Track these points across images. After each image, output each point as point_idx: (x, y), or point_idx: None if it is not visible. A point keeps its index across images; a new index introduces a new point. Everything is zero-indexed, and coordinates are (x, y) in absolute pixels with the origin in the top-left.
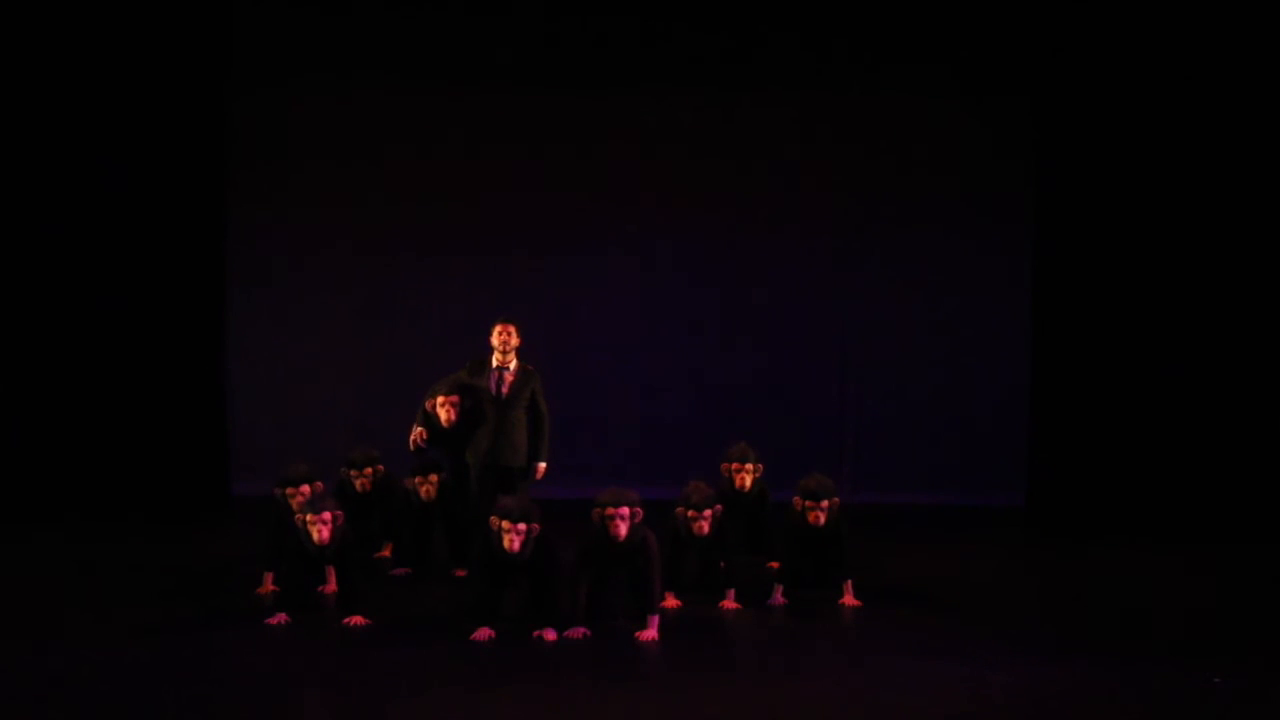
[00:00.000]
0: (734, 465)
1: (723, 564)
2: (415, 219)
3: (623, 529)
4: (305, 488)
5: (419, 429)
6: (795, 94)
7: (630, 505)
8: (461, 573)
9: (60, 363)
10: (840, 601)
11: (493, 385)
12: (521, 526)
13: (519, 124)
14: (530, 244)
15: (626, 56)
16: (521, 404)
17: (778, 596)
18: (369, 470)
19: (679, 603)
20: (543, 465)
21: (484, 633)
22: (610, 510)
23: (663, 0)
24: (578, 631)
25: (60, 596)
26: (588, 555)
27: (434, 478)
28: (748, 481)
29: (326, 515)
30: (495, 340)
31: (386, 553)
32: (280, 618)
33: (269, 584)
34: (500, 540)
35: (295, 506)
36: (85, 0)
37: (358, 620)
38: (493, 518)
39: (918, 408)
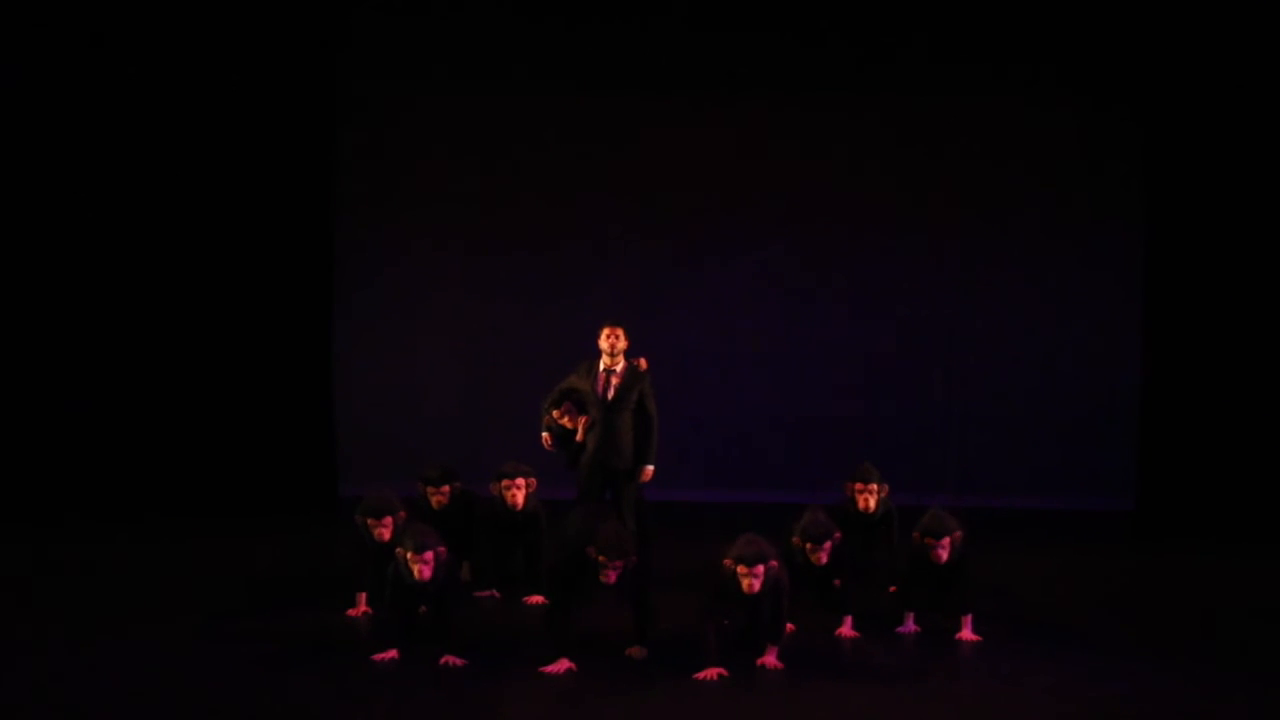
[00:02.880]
0: (857, 486)
1: (838, 582)
2: (526, 220)
3: (757, 585)
4: (389, 519)
5: (545, 435)
6: (907, 98)
7: (765, 562)
8: (536, 599)
9: (172, 361)
10: (958, 636)
11: (600, 387)
12: (619, 563)
13: (625, 126)
14: (636, 247)
15: (728, 62)
16: (628, 406)
17: (909, 624)
18: (445, 487)
19: (793, 626)
20: (650, 468)
21: (563, 664)
22: (744, 569)
23: (772, 8)
24: (712, 672)
25: (160, 595)
26: (719, 602)
27: (520, 482)
28: (871, 503)
29: (429, 555)
30: (603, 343)
31: (465, 575)
32: (391, 654)
33: (361, 604)
34: (597, 573)
35: (377, 537)
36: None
37: (454, 661)
38: (590, 549)
39: (1024, 410)
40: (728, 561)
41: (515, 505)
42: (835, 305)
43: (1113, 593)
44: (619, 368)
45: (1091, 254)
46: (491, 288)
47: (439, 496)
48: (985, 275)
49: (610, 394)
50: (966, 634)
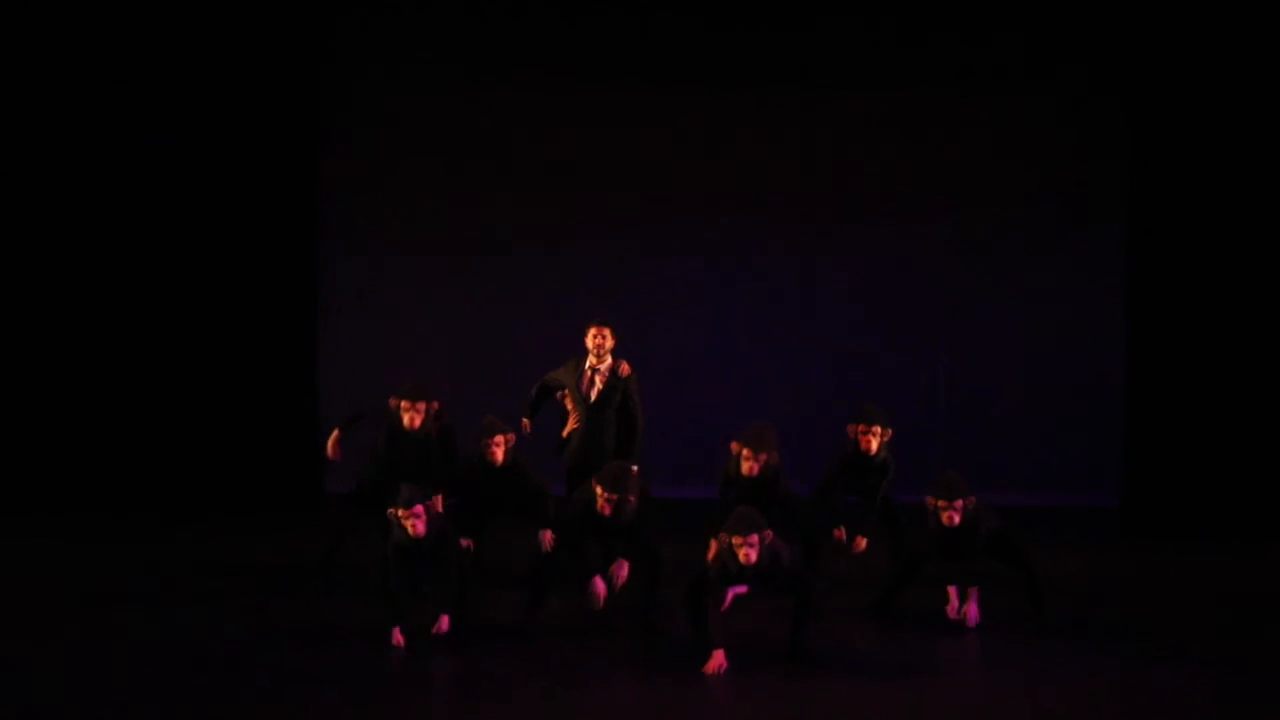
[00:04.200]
0: (860, 428)
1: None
2: (515, 217)
3: (753, 556)
4: (423, 405)
5: (526, 420)
6: (890, 91)
7: (760, 531)
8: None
9: (155, 358)
10: (964, 609)
11: (584, 386)
12: (617, 496)
13: (617, 123)
14: (629, 245)
15: (719, 59)
16: (611, 406)
17: (956, 603)
18: (422, 405)
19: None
20: (634, 468)
21: (600, 586)
22: (738, 539)
23: (760, 4)
24: (719, 658)
25: (144, 591)
26: (718, 578)
27: (499, 439)
28: (874, 445)
29: (418, 509)
30: (590, 343)
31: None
32: (398, 640)
33: (333, 441)
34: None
35: (408, 423)
36: None
37: (443, 627)
38: (593, 481)
39: (1009, 406)
40: (723, 534)
41: (494, 461)
42: (824, 304)
43: (1097, 589)
44: (604, 367)
45: (1075, 250)
46: (479, 286)
47: (413, 414)
48: (970, 272)
49: (594, 393)
50: (972, 608)
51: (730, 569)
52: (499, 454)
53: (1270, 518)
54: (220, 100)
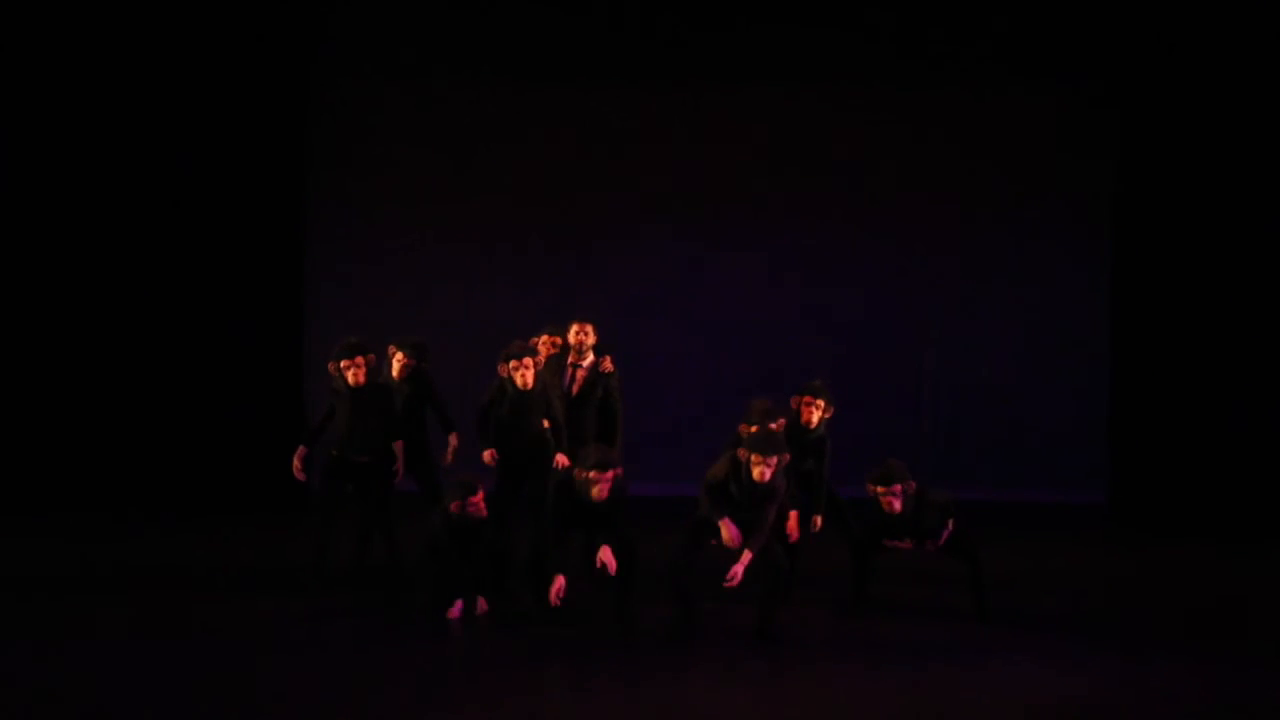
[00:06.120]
0: (806, 398)
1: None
2: (503, 216)
3: (768, 474)
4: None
5: None
6: (877, 90)
7: (779, 453)
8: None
9: (143, 360)
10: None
11: (566, 382)
12: (609, 474)
13: (600, 120)
14: (617, 242)
15: (715, 54)
16: (592, 401)
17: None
18: (361, 359)
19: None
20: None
21: (560, 582)
22: (757, 457)
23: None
24: (729, 529)
25: (141, 592)
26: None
27: (529, 361)
28: (814, 418)
29: (480, 498)
30: (572, 339)
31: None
32: (457, 610)
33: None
34: (588, 490)
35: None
36: None
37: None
38: (578, 470)
39: (997, 404)
40: (741, 452)
41: (526, 386)
42: (818, 304)
43: (1083, 585)
44: (586, 363)
45: (1064, 252)
46: (467, 285)
47: (355, 370)
48: (957, 269)
49: (575, 389)
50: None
51: (744, 483)
52: (529, 377)
53: (1254, 514)
54: (208, 104)
